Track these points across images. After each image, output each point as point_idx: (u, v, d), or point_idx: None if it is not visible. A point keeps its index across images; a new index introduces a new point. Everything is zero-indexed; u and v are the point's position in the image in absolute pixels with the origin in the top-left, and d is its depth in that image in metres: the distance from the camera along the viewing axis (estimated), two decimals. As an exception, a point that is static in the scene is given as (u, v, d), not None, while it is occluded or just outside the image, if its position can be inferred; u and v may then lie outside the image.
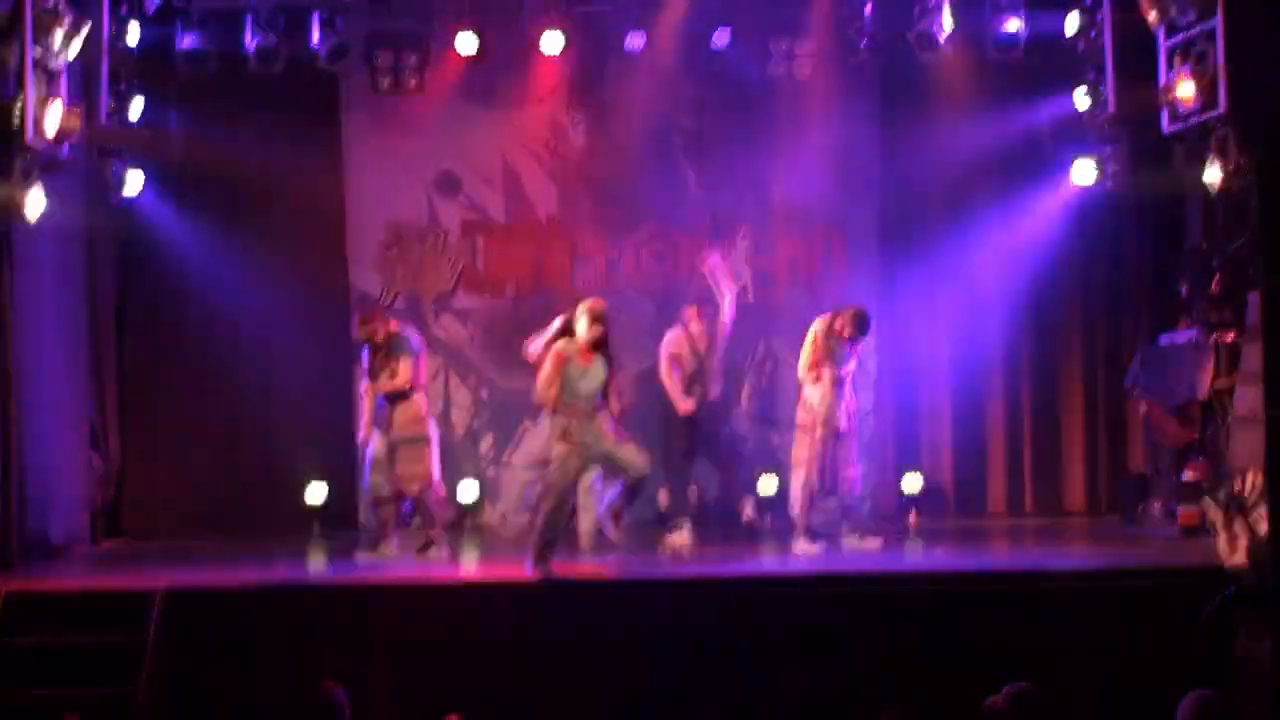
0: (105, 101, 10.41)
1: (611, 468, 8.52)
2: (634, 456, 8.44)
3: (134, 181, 10.77)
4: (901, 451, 11.75)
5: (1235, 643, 6.26)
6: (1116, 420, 11.52)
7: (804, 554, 9.29)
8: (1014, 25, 11.02)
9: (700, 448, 10.42)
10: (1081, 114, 11.07)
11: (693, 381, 10.13)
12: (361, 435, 10.03)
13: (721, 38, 11.22)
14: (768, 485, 11.14)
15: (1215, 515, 6.57)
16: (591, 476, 8.84)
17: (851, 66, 11.44)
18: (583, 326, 8.30)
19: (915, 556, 9.86)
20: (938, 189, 11.56)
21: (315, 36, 10.87)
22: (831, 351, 9.49)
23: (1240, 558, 6.41)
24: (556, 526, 8.47)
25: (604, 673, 7.72)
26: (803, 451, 9.50)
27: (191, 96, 11.26)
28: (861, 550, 9.47)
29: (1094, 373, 11.83)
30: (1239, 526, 6.45)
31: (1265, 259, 5.54)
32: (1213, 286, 10.08)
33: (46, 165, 9.11)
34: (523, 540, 9.73)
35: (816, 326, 9.55)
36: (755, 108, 11.67)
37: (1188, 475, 10.21)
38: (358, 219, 11.74)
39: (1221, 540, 6.52)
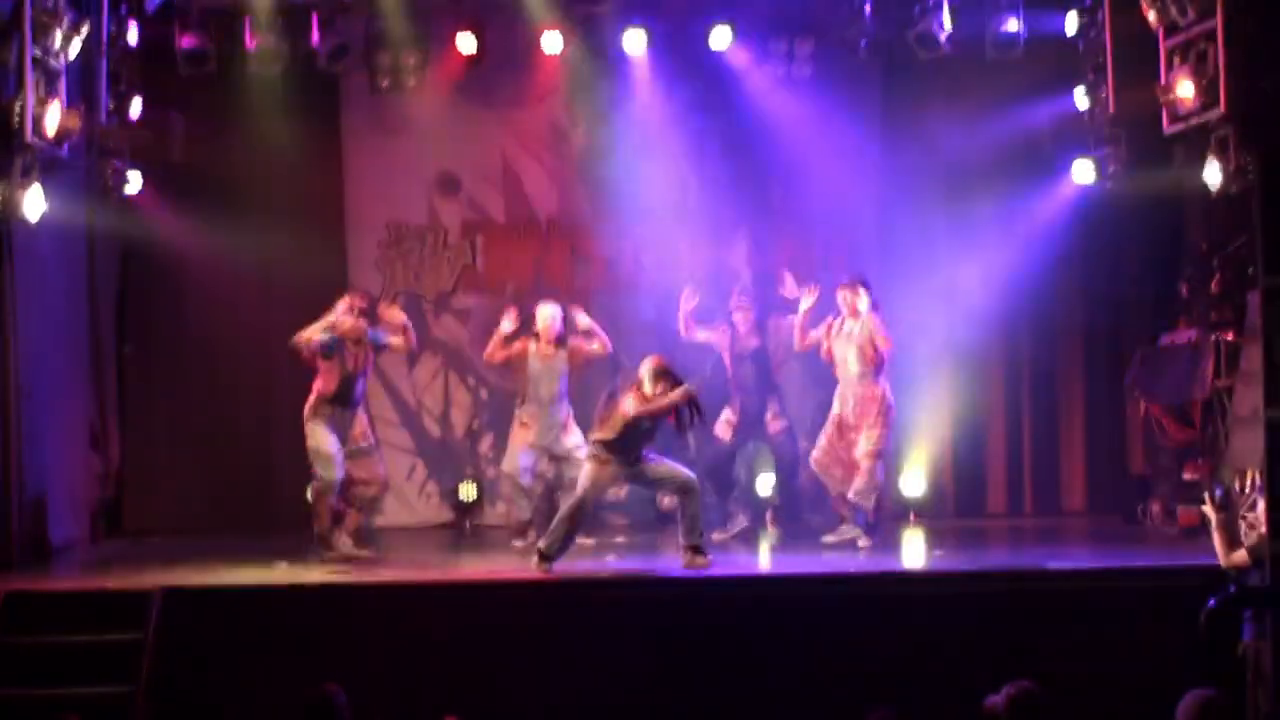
0: (105, 101, 10.40)
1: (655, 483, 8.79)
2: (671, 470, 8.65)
3: (134, 181, 10.76)
4: (901, 452, 11.74)
5: (1237, 642, 6.25)
6: (1116, 420, 11.50)
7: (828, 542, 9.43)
8: (1014, 25, 11.01)
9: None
10: (1081, 114, 11.06)
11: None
12: None
13: (721, 38, 11.22)
14: (765, 485, 11.17)
15: (1211, 514, 6.57)
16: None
17: (851, 66, 11.43)
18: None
19: (915, 556, 9.85)
20: (937, 188, 11.55)
21: (315, 36, 10.87)
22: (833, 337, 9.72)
23: (1238, 556, 6.41)
24: (574, 531, 8.52)
25: (603, 672, 7.72)
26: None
27: (191, 96, 11.26)
28: (837, 544, 9.50)
29: (1094, 373, 11.82)
30: (1235, 525, 6.46)
31: (1265, 259, 5.54)
32: (1213, 286, 10.08)
33: (46, 165, 9.11)
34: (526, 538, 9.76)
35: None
36: (755, 108, 11.67)
37: (1188, 475, 10.21)
38: (358, 219, 11.75)
39: (1217, 539, 6.53)
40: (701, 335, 10.44)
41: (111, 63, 10.41)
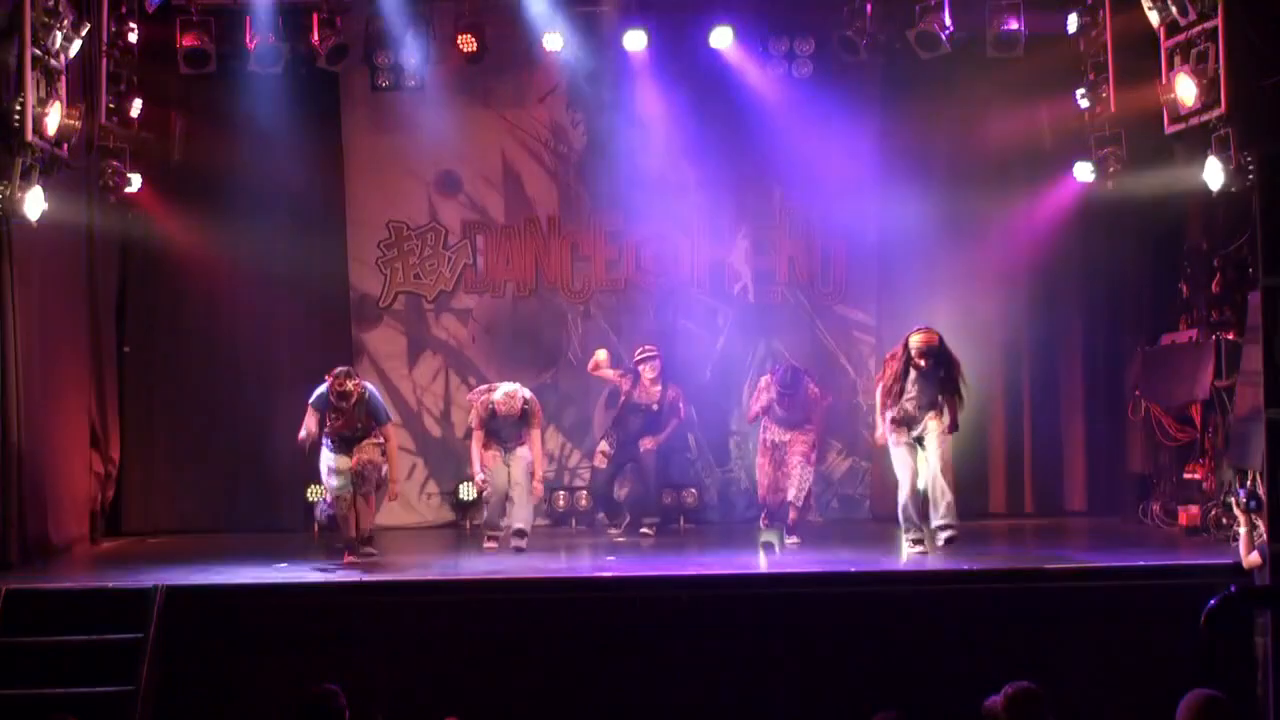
0: (105, 101, 10.40)
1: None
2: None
3: (134, 181, 10.76)
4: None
5: (1243, 641, 6.26)
6: (1116, 420, 11.49)
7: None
8: (1014, 25, 11.00)
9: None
10: (1081, 114, 11.06)
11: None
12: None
13: (721, 38, 11.21)
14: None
15: (1241, 518, 6.57)
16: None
17: (851, 66, 11.42)
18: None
19: (916, 557, 9.84)
20: (937, 188, 11.53)
21: (315, 36, 10.87)
22: None
23: (1253, 558, 6.41)
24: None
25: (602, 673, 7.72)
26: None
27: (191, 96, 11.26)
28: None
29: (1094, 373, 11.82)
30: (1259, 525, 6.46)
31: (1265, 259, 5.54)
32: (1213, 286, 10.09)
33: (46, 165, 9.10)
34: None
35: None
36: (755, 108, 11.66)
37: (1188, 475, 10.21)
38: (358, 219, 11.75)
39: (1243, 542, 6.53)
40: (606, 373, 10.59)
41: (111, 63, 10.40)
